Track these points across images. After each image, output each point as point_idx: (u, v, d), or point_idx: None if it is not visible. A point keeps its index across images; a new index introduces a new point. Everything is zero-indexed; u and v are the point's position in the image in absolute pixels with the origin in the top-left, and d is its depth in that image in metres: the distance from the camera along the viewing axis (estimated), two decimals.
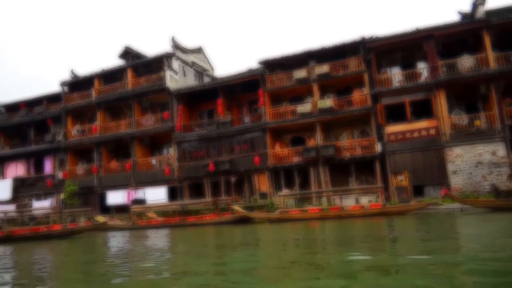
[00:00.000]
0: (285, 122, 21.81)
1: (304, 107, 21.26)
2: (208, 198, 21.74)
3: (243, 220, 18.07)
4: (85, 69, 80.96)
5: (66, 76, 32.26)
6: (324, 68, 21.08)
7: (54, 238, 15.64)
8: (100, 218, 19.43)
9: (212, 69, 30.09)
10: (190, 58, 27.22)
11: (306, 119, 21.28)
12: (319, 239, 9.78)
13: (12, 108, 30.70)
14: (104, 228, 18.56)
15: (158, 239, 13.20)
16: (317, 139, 21.19)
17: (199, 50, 28.48)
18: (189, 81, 26.63)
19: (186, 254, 8.18)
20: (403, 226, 11.80)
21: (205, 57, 29.40)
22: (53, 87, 55.20)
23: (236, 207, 18.31)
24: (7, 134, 30.02)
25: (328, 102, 20.78)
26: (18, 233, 16.29)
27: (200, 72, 28.40)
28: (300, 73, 21.65)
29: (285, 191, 17.77)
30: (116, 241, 13.40)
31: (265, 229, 14.57)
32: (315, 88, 21.53)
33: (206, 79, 28.60)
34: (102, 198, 25.41)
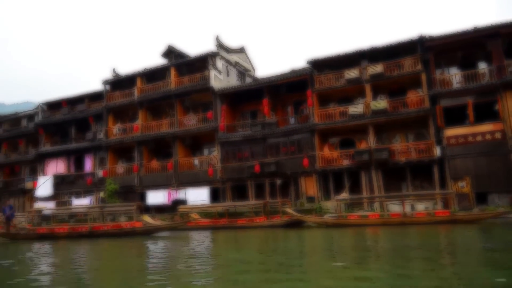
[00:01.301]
0: (335, 123, 20.99)
1: (356, 108, 20.41)
2: (253, 201, 21.11)
3: (294, 224, 17.38)
4: (126, 69, 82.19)
5: (108, 76, 32.32)
6: (378, 68, 20.21)
7: (136, 235, 15.26)
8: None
9: (254, 69, 29.61)
10: (233, 58, 26.81)
11: (358, 120, 20.41)
12: (411, 248, 8.94)
13: (54, 106, 31.04)
14: (183, 227, 18.06)
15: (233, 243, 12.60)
16: (369, 142, 20.26)
17: (241, 50, 28.05)
18: (232, 81, 26.19)
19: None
20: (494, 236, 10.79)
21: (247, 57, 28.94)
22: (94, 87, 56.09)
23: (290, 210, 17.61)
24: (48, 131, 30.29)
25: (382, 103, 19.88)
26: (101, 229, 16.01)
27: (243, 72, 27.95)
28: (352, 73, 20.84)
29: (343, 195, 16.95)
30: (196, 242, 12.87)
31: (327, 234, 13.75)
32: (368, 88, 20.66)
33: (248, 80, 28.13)
34: (142, 197, 25.16)
